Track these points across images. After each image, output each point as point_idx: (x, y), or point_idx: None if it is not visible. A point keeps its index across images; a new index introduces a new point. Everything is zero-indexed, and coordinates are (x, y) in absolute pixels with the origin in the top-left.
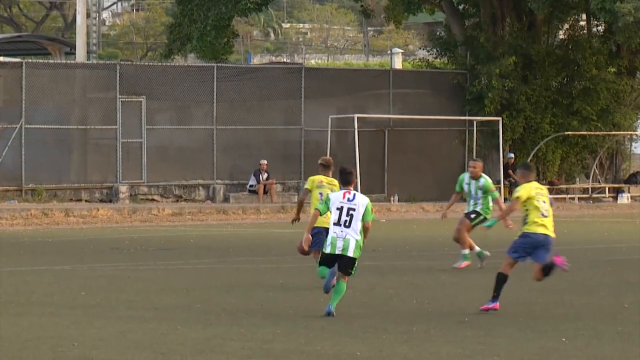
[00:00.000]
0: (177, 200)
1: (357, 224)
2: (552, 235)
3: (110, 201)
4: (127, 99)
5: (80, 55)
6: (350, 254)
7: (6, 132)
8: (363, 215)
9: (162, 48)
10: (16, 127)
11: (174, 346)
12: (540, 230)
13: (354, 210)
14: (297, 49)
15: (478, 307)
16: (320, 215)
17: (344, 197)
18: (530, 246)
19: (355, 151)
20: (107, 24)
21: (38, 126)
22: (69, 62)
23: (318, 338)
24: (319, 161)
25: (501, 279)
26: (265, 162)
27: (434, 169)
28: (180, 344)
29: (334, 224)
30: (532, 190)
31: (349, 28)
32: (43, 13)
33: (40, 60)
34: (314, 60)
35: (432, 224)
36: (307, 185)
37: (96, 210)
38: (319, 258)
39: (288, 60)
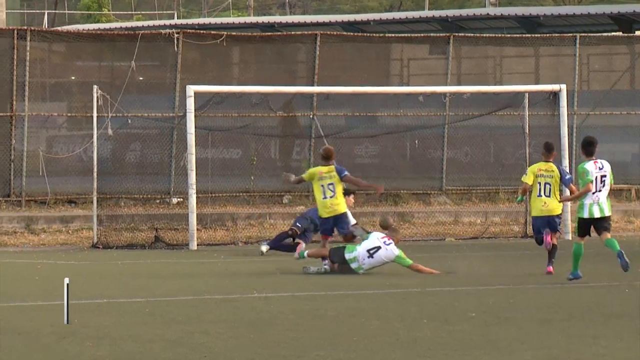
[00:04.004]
0: None
1: (607, 188)
2: None
3: None
4: None
5: None
6: (607, 213)
7: None
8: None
9: None
10: None
11: None
12: None
13: (605, 176)
14: None
15: None
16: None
17: (595, 167)
18: None
19: None
20: None
21: None
22: None
23: None
24: (320, 151)
25: None
26: None
27: None
28: None
29: (591, 192)
30: None
31: None
32: None
33: None
34: None
35: None
36: (305, 177)
37: None
38: (577, 231)
39: None
